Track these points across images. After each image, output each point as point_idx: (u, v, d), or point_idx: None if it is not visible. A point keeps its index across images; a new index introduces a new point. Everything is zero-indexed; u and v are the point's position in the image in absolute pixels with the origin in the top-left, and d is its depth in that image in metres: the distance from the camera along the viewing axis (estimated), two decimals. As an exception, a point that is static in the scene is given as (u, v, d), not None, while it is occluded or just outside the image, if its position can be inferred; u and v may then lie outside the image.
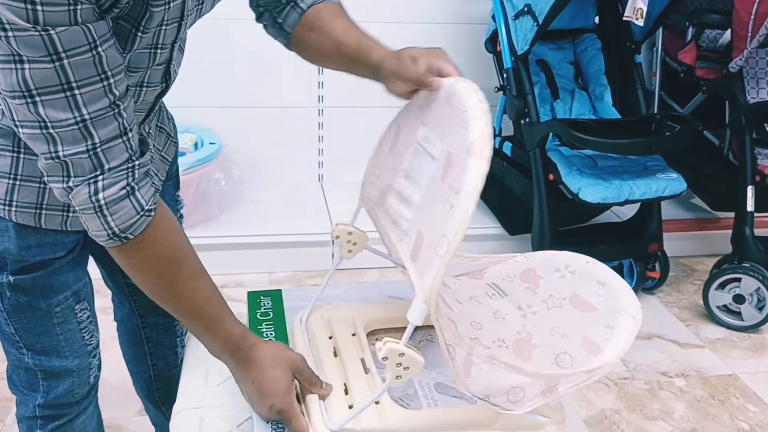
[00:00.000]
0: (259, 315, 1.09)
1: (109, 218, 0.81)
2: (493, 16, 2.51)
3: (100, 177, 0.79)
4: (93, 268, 1.23)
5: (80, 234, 1.04)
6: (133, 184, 0.82)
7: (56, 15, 0.68)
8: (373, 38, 0.99)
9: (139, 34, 0.82)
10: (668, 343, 2.31)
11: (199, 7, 0.93)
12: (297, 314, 1.05)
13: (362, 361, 0.93)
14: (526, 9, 2.29)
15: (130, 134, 0.80)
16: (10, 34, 0.68)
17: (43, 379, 1.10)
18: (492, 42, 2.58)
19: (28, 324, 1.04)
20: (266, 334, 1.05)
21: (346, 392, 0.89)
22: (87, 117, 0.75)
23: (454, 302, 0.94)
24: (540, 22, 2.21)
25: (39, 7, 0.67)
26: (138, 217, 0.82)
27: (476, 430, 0.87)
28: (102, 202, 0.80)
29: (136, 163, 0.82)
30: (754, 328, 2.36)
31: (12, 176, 0.92)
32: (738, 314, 2.37)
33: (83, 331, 1.10)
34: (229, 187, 2.70)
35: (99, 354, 1.18)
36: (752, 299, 2.33)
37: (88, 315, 1.11)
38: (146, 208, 0.83)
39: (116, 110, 0.78)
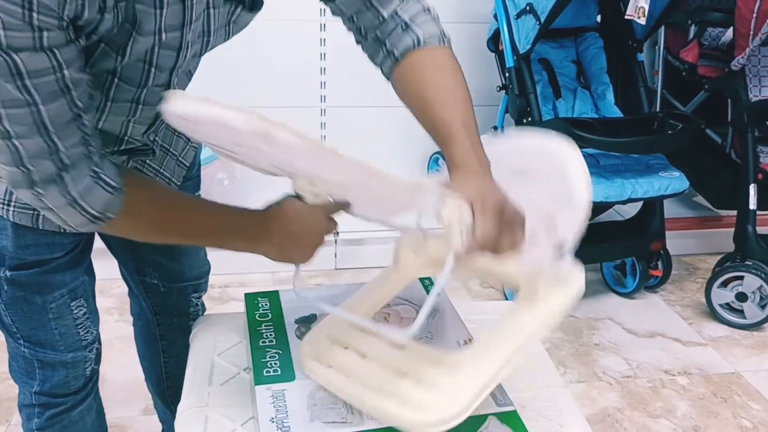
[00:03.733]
0: (258, 316, 1.09)
1: (86, 207, 0.82)
2: (495, 15, 2.51)
3: (65, 174, 0.79)
4: (102, 265, 1.24)
5: (80, 236, 1.04)
6: (95, 168, 0.82)
7: (20, 40, 0.67)
8: (466, 124, 0.90)
9: (122, 58, 0.82)
10: (671, 341, 2.31)
11: (206, 39, 0.91)
12: (299, 346, 0.99)
13: (393, 342, 0.90)
14: (528, 8, 2.29)
15: (91, 138, 0.81)
16: None
17: (39, 368, 1.13)
18: (494, 41, 2.58)
19: (24, 317, 1.06)
20: (265, 335, 1.06)
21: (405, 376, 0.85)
22: (51, 130, 0.75)
23: None
24: (542, 20, 2.21)
25: (1, 32, 0.66)
26: (111, 197, 0.83)
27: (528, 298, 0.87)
28: (75, 194, 0.81)
29: (93, 148, 0.82)
30: (756, 326, 2.37)
31: None
32: (740, 312, 2.38)
33: (79, 327, 1.12)
34: (231, 186, 2.70)
35: (96, 347, 1.19)
36: (755, 297, 2.33)
37: (84, 312, 1.12)
38: (115, 186, 0.83)
39: (79, 121, 0.78)
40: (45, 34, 0.68)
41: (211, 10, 0.88)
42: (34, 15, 0.66)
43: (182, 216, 0.92)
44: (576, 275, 0.89)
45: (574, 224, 0.84)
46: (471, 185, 0.79)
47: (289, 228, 0.93)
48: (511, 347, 0.84)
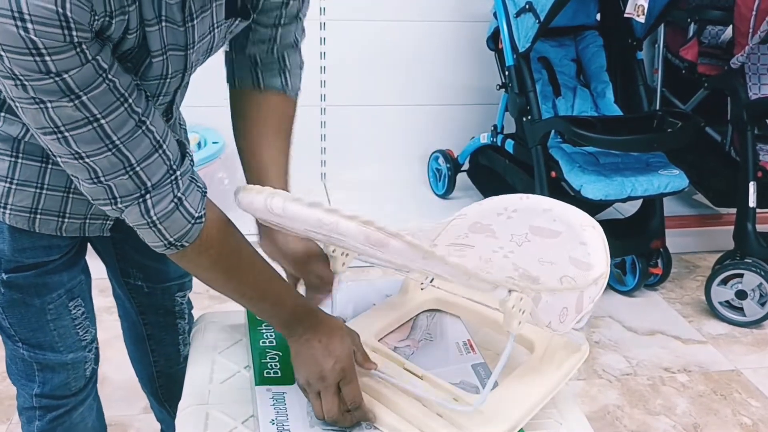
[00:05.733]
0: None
1: (163, 231, 0.82)
2: (494, 14, 2.51)
3: (147, 195, 0.80)
4: (97, 265, 1.24)
5: (77, 237, 1.04)
6: (180, 195, 0.82)
7: (66, 61, 0.68)
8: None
9: (138, 81, 0.82)
10: (670, 338, 2.31)
11: (208, 54, 0.93)
12: None
13: (408, 371, 0.95)
14: (527, 6, 2.30)
15: (164, 146, 0.81)
16: (26, 83, 0.69)
17: (38, 370, 1.12)
18: (494, 40, 2.59)
19: (23, 319, 1.06)
20: (266, 336, 1.06)
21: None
22: (118, 142, 0.76)
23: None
24: (542, 19, 2.22)
25: (48, 58, 0.67)
26: (190, 226, 0.83)
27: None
28: (155, 218, 0.81)
29: (178, 173, 0.82)
30: (756, 323, 2.37)
31: (8, 180, 0.93)
32: (740, 310, 2.38)
33: (77, 327, 1.11)
34: (232, 186, 2.69)
35: (95, 348, 1.19)
36: (754, 295, 2.33)
37: (82, 311, 1.12)
38: (196, 216, 0.84)
39: (143, 127, 0.78)
40: (85, 47, 0.69)
41: (215, 30, 0.89)
42: (74, 34, 0.67)
43: (249, 260, 0.91)
44: (584, 343, 0.97)
45: (591, 299, 0.91)
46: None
47: (333, 333, 0.92)
48: (530, 401, 0.89)
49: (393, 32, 2.90)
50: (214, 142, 2.66)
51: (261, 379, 0.96)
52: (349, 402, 0.88)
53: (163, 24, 0.79)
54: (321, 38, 2.83)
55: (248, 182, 1.01)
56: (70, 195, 0.97)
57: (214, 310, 1.21)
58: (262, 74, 1.04)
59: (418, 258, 0.70)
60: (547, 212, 1.00)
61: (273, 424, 0.88)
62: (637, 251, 2.46)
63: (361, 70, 2.96)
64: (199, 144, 2.68)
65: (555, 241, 0.96)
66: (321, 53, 2.85)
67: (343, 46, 2.89)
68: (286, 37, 1.03)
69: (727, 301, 2.40)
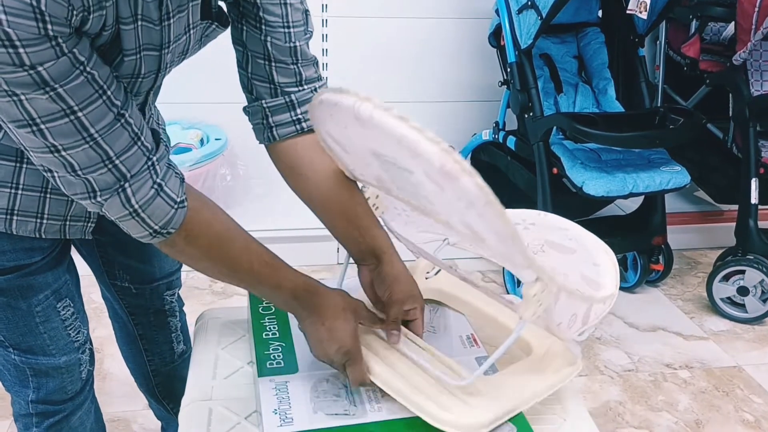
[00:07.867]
0: (261, 309, 1.10)
1: (147, 219, 0.82)
2: (496, 11, 2.51)
3: (126, 185, 0.79)
4: (85, 265, 1.23)
5: (58, 239, 1.03)
6: (159, 180, 0.82)
7: (41, 53, 0.67)
8: (372, 216, 0.99)
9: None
10: (672, 335, 2.32)
11: (183, 57, 0.92)
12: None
13: (411, 340, 0.96)
14: (529, 3, 2.29)
15: (142, 137, 0.80)
16: None
17: (32, 375, 1.10)
18: (496, 36, 2.58)
19: (10, 324, 1.04)
20: (269, 328, 1.06)
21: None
22: (96, 135, 0.75)
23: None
24: (544, 16, 2.22)
25: (21, 50, 0.66)
26: (173, 210, 0.83)
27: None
28: (136, 206, 0.81)
29: (154, 159, 0.82)
30: (758, 320, 2.38)
31: None
32: (742, 306, 2.38)
33: (68, 328, 1.09)
34: (234, 182, 2.71)
35: (89, 349, 1.17)
36: (756, 291, 2.33)
37: (72, 312, 1.09)
38: (178, 200, 0.83)
39: (122, 120, 0.77)
40: (61, 40, 0.68)
41: (191, 31, 0.88)
42: (49, 27, 0.66)
43: (241, 247, 0.89)
44: (579, 357, 0.97)
45: (596, 315, 0.91)
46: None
47: (336, 315, 0.92)
48: (527, 393, 0.91)
49: (394, 29, 2.90)
50: (216, 139, 2.66)
51: (264, 370, 0.96)
52: (354, 383, 0.90)
53: (139, 23, 0.78)
54: (323, 35, 2.82)
55: (355, 253, 1.00)
56: (48, 195, 0.95)
57: (217, 306, 1.21)
58: (302, 112, 0.99)
59: (479, 204, 0.67)
60: (563, 231, 1.01)
61: (276, 413, 0.88)
62: (639, 248, 2.46)
63: (363, 67, 2.96)
64: (201, 140, 2.68)
65: (569, 258, 0.97)
66: (323, 50, 2.85)
67: (345, 43, 2.89)
68: (305, 54, 0.98)
69: (728, 298, 2.40)
